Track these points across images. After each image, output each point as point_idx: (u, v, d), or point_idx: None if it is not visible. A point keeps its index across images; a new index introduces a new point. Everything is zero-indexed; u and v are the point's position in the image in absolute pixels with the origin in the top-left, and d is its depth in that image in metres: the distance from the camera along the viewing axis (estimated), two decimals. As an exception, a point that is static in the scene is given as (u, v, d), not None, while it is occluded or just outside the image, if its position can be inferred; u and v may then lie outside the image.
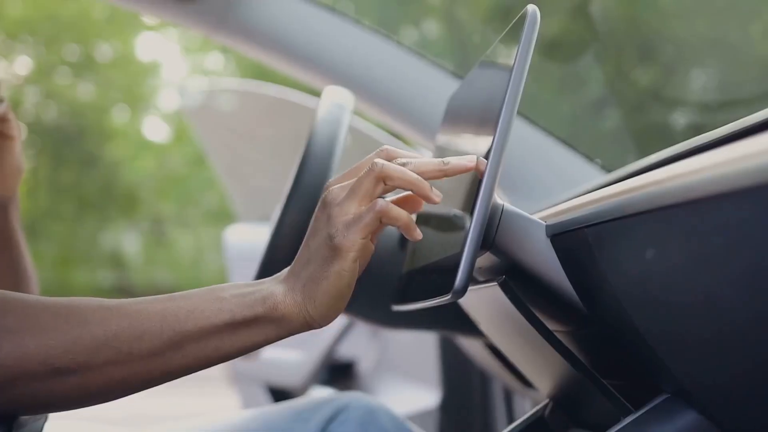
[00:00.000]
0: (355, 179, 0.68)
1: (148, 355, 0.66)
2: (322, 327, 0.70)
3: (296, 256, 0.70)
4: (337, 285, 0.67)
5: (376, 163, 0.67)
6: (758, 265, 0.48)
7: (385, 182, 0.67)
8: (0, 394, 0.64)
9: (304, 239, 0.70)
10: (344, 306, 0.69)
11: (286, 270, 0.71)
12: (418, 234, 0.69)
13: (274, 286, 0.69)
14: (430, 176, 0.68)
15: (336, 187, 0.69)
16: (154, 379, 0.68)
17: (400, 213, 0.67)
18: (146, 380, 0.68)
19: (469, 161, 0.67)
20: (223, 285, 0.70)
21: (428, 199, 0.67)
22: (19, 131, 1.00)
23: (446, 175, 0.68)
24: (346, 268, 0.67)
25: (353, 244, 0.66)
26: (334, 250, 0.66)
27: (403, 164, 0.67)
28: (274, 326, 0.68)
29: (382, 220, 0.66)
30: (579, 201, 0.69)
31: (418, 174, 0.67)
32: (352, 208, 0.67)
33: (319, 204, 0.70)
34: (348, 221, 0.66)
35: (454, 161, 0.67)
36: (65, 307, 0.67)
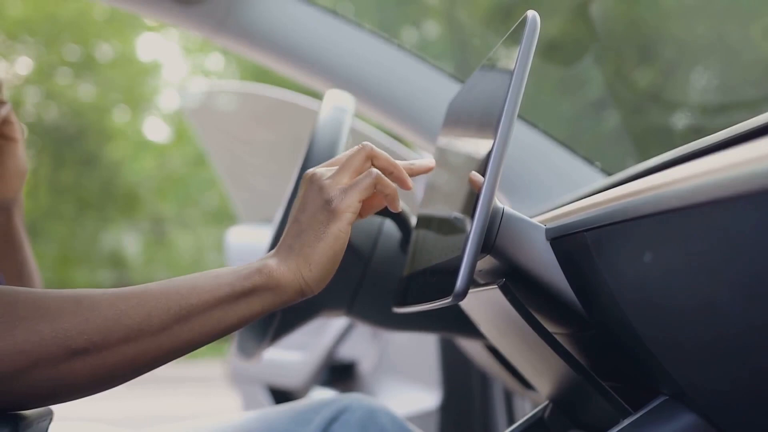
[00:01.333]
0: (342, 159, 0.76)
1: (158, 330, 0.69)
2: (315, 293, 0.74)
3: (285, 232, 0.76)
4: (333, 246, 0.73)
5: (365, 145, 0.76)
6: (757, 270, 0.48)
7: (372, 162, 0.76)
8: (20, 380, 0.66)
9: (290, 217, 0.76)
10: (335, 269, 0.74)
11: (276, 246, 0.76)
12: (399, 206, 0.78)
13: (267, 260, 0.74)
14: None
15: (320, 168, 0.77)
16: (163, 355, 0.71)
17: (390, 183, 0.76)
18: (156, 357, 0.70)
19: (430, 163, 0.80)
20: (219, 269, 0.75)
21: (404, 183, 0.77)
22: (22, 133, 1.01)
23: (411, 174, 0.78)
24: (343, 229, 0.73)
25: (350, 205, 0.73)
26: (331, 213, 0.73)
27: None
28: (271, 294, 0.72)
29: (376, 186, 0.74)
30: (578, 204, 0.70)
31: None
32: (345, 179, 0.74)
33: (303, 185, 0.76)
34: (344, 187, 0.73)
35: (417, 162, 0.79)
36: (73, 294, 0.69)
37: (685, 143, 0.75)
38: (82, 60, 8.28)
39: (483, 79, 0.80)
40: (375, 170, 0.74)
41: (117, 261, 8.48)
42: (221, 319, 0.72)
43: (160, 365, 0.72)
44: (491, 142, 0.67)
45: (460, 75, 1.50)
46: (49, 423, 0.76)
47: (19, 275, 1.04)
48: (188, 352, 0.72)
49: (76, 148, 8.23)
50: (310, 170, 0.77)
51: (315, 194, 0.74)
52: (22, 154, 1.01)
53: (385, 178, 0.75)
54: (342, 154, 0.78)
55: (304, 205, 0.75)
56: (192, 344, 0.72)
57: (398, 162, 0.77)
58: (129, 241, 8.58)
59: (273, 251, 0.75)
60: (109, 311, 0.68)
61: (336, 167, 0.76)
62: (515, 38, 0.71)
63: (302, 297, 0.74)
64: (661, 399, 0.66)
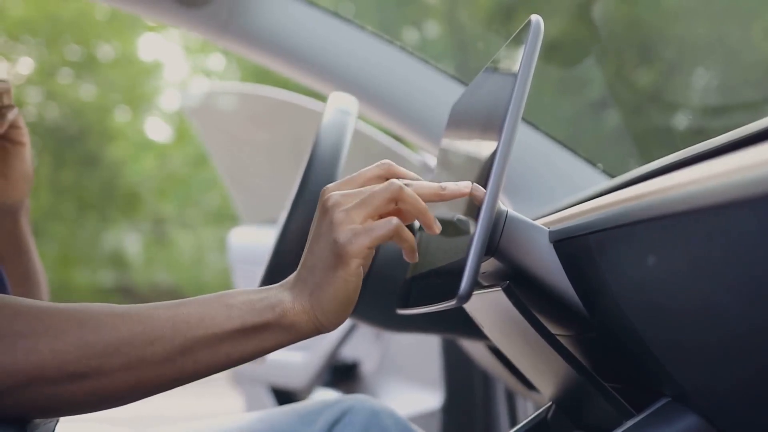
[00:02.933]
0: (365, 191, 0.70)
1: (160, 360, 0.68)
2: (331, 331, 0.71)
3: (301, 262, 0.72)
4: (344, 290, 0.69)
5: (393, 183, 0.69)
6: (759, 274, 0.49)
7: (396, 203, 0.69)
8: (15, 396, 0.65)
9: (307, 244, 0.72)
10: (351, 309, 0.71)
11: (292, 276, 0.72)
12: (416, 257, 0.72)
13: (282, 294, 0.71)
14: (428, 199, 0.71)
15: (338, 193, 0.70)
16: (165, 383, 0.69)
17: (410, 235, 0.70)
18: (157, 385, 0.69)
19: (465, 187, 0.70)
20: (231, 291, 0.72)
21: (430, 229, 0.71)
22: (29, 137, 1.01)
23: (443, 200, 0.71)
24: (352, 274, 0.68)
25: (360, 251, 0.68)
26: (339, 257, 0.68)
27: (405, 185, 0.70)
28: (285, 332, 0.70)
29: (392, 237, 0.69)
30: (581, 208, 0.70)
31: (417, 195, 0.70)
32: (359, 219, 0.68)
33: (319, 208, 0.71)
34: (357, 230, 0.68)
35: (451, 187, 0.70)
36: (77, 312, 0.67)
37: (686, 144, 0.76)
38: (84, 60, 8.27)
39: (486, 83, 0.81)
40: (395, 221, 0.68)
41: (118, 261, 8.48)
42: (229, 353, 0.69)
43: (165, 390, 0.70)
44: (495, 145, 0.67)
45: (460, 75, 1.50)
46: (56, 424, 0.76)
47: (25, 278, 1.04)
48: (195, 380, 0.71)
49: (77, 148, 8.23)
50: (328, 189, 0.72)
51: (327, 227, 0.69)
52: (29, 159, 1.01)
53: (405, 230, 0.69)
54: (365, 172, 0.73)
55: (318, 235, 0.70)
56: (197, 374, 0.70)
57: (428, 186, 0.71)
58: (130, 242, 8.58)
59: (289, 282, 0.72)
60: (110, 336, 0.67)
61: (355, 193, 0.70)
62: (519, 42, 0.71)
63: (317, 334, 0.71)
64: (664, 401, 0.67)
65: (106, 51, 8.46)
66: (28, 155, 1.01)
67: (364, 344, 2.40)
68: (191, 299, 0.71)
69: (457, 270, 0.66)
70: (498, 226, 0.73)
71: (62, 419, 0.79)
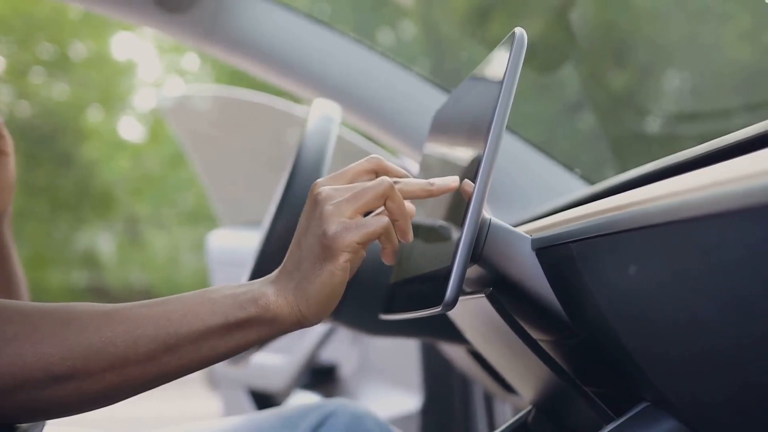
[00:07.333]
0: (356, 186, 0.70)
1: (144, 359, 0.68)
2: (314, 325, 0.71)
3: (287, 255, 0.72)
4: (329, 284, 0.68)
5: (385, 180, 0.69)
6: (738, 285, 0.50)
7: (386, 202, 0.69)
8: (3, 401, 0.66)
9: (294, 237, 0.71)
10: (336, 304, 0.70)
11: (276, 270, 0.72)
12: (394, 260, 0.73)
13: (266, 287, 0.70)
14: (417, 196, 0.71)
15: (328, 187, 0.70)
16: (151, 381, 0.69)
17: (394, 238, 0.71)
18: (143, 383, 0.69)
19: (452, 182, 0.71)
20: (214, 287, 0.72)
21: (405, 235, 0.71)
22: (13, 147, 1.01)
23: (431, 196, 0.71)
24: (339, 268, 0.68)
25: (349, 245, 0.67)
26: (327, 249, 0.68)
27: (394, 182, 0.71)
28: (267, 326, 0.69)
29: (382, 235, 0.69)
30: (564, 216, 0.71)
31: (405, 192, 0.71)
32: (349, 212, 0.68)
33: (308, 202, 0.71)
34: (347, 224, 0.68)
35: (438, 182, 0.71)
36: (62, 314, 0.68)
37: (663, 150, 0.77)
38: (56, 59, 8.20)
39: (470, 92, 0.82)
40: (386, 220, 0.69)
41: (91, 261, 8.42)
42: (213, 348, 0.69)
43: (152, 388, 0.70)
44: (480, 155, 0.68)
45: (436, 76, 1.51)
46: (42, 428, 0.77)
47: (7, 286, 1.03)
48: (181, 376, 0.71)
49: (49, 148, 8.16)
50: (318, 183, 0.71)
51: (316, 220, 0.69)
52: (12, 168, 1.01)
53: (392, 232, 0.70)
54: (355, 167, 0.73)
55: (306, 228, 0.70)
56: (182, 371, 0.70)
57: (417, 182, 0.71)
58: (103, 242, 8.52)
59: (273, 275, 0.72)
60: (94, 338, 0.67)
61: (344, 188, 0.70)
62: (503, 54, 0.72)
63: (300, 328, 0.71)
64: (643, 405, 0.68)
65: (79, 50, 8.39)
66: (11, 165, 1.00)
67: (343, 347, 2.41)
68: (174, 296, 0.71)
69: (443, 277, 0.67)
70: (481, 233, 0.74)
71: (50, 423, 0.79)
